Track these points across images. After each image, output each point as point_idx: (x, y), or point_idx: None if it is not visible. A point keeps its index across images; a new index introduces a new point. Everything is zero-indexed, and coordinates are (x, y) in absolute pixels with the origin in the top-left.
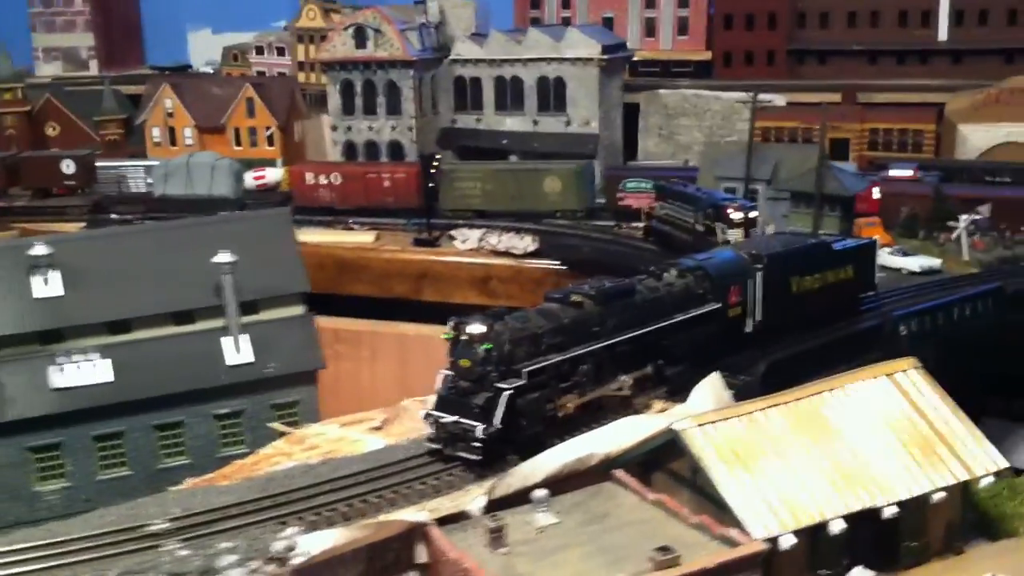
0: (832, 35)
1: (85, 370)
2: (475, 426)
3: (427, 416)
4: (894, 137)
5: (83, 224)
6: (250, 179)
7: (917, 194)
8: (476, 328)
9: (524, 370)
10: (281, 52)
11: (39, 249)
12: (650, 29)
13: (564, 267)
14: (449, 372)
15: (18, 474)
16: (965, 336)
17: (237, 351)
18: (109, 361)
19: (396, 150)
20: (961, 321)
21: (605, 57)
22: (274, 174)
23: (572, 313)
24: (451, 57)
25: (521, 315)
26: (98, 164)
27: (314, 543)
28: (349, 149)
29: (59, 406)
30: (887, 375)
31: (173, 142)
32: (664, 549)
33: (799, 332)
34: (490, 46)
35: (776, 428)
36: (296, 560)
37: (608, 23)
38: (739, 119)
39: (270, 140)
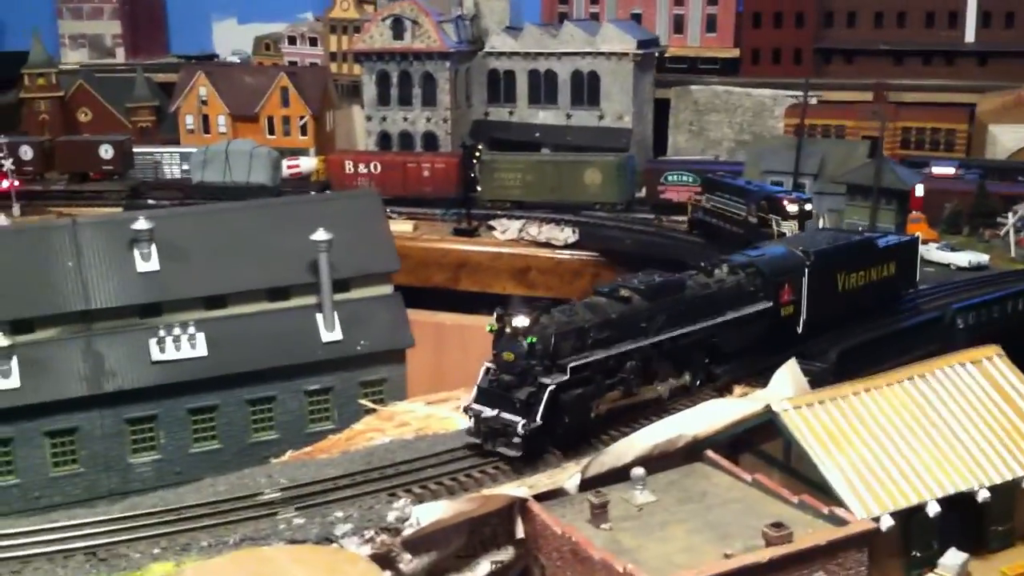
0: (859, 35)
1: (183, 344)
2: (517, 421)
3: (467, 409)
4: (927, 136)
5: (120, 209)
6: (284, 168)
7: (960, 191)
8: (521, 321)
9: (569, 365)
10: (313, 42)
11: (141, 223)
12: (678, 26)
13: (604, 259)
14: (491, 365)
15: (114, 445)
16: (1017, 330)
17: (330, 328)
18: (204, 335)
19: (431, 141)
20: (1014, 315)
21: (640, 52)
22: (308, 163)
23: (620, 308)
24: (485, 50)
25: (567, 308)
26: (135, 150)
27: (425, 514)
28: (383, 139)
29: (158, 379)
30: (972, 362)
31: (206, 130)
32: (777, 525)
33: (843, 329)
34: (524, 39)
35: (871, 411)
36: (408, 531)
37: (636, 19)
38: (769, 116)
39: (303, 129)
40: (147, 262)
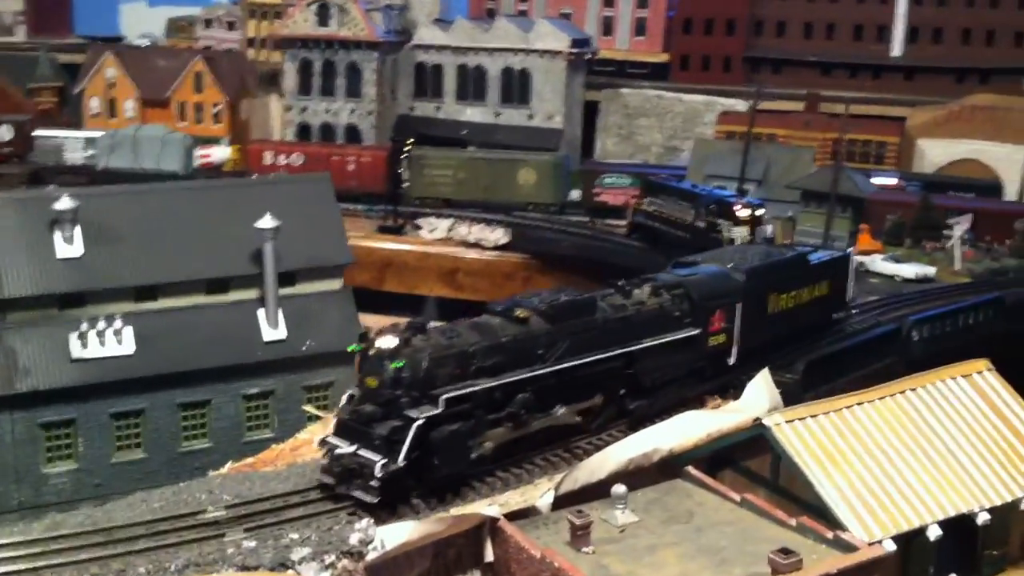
0: (788, 44)
1: (108, 340)
2: (374, 461)
3: (322, 443)
4: (857, 148)
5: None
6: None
7: (902, 202)
8: (387, 342)
9: (441, 397)
10: (231, 26)
11: (64, 203)
12: (607, 28)
13: (537, 262)
14: (355, 392)
15: (26, 453)
16: (969, 343)
17: (273, 326)
18: (131, 330)
19: (353, 134)
20: (966, 328)
21: (574, 51)
22: (221, 152)
23: (514, 330)
24: (413, 42)
25: (449, 329)
26: (35, 133)
27: (390, 536)
28: (303, 131)
29: (78, 378)
30: (963, 376)
31: (113, 114)
32: (785, 551)
33: (768, 356)
34: (455, 33)
35: (865, 427)
36: (371, 555)
37: (566, 19)
38: (701, 122)
39: (217, 117)
40: (69, 246)
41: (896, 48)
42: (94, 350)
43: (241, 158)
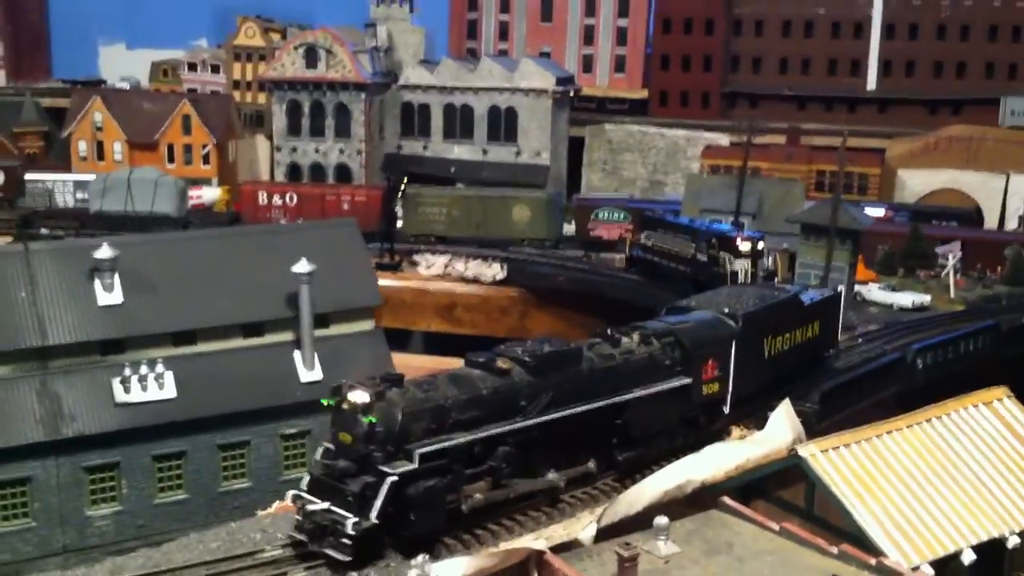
0: (764, 80)
1: (150, 385)
2: (347, 518)
3: (296, 499)
4: (837, 179)
5: (10, 239)
6: None
7: (892, 232)
8: (359, 396)
9: (416, 452)
10: (215, 69)
11: (104, 251)
12: (587, 65)
13: (533, 296)
14: (329, 445)
15: (71, 496)
16: (968, 369)
17: (309, 367)
18: (172, 375)
19: (343, 173)
20: (965, 355)
21: (559, 89)
22: (211, 193)
23: (494, 382)
24: (400, 82)
25: (426, 382)
26: (25, 177)
27: (445, 572)
28: (293, 171)
29: (122, 423)
30: (984, 403)
31: (101, 157)
32: None
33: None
34: (441, 73)
35: (895, 455)
36: None
37: (545, 57)
38: (683, 157)
39: (206, 159)
40: (109, 293)
41: (870, 81)
42: (136, 395)
43: (232, 199)
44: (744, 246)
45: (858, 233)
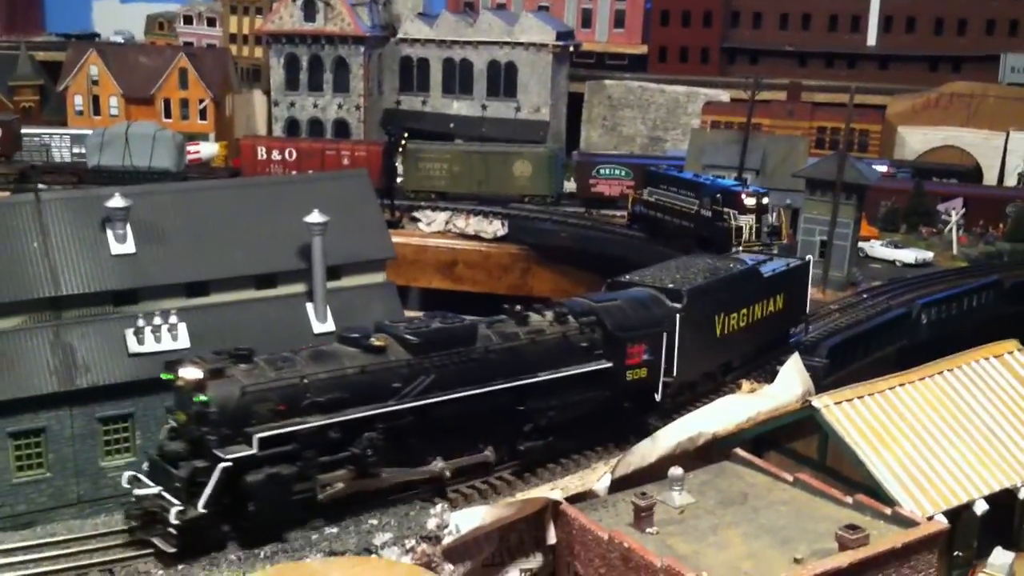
0: (765, 36)
1: (163, 335)
2: (172, 506)
3: (131, 481)
4: (841, 136)
5: (7, 193)
6: None
7: (895, 189)
8: (190, 372)
9: (256, 435)
10: (212, 23)
11: (116, 200)
12: (586, 20)
13: (535, 253)
14: (174, 424)
15: (85, 448)
16: (970, 325)
17: (322, 319)
18: (185, 326)
19: (342, 128)
20: (968, 311)
21: (559, 44)
22: (209, 149)
23: (363, 360)
24: (399, 36)
25: (283, 358)
26: (22, 131)
27: (464, 521)
28: (291, 126)
29: (136, 373)
30: (995, 356)
31: (97, 111)
32: (852, 527)
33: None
34: (440, 27)
35: (908, 407)
36: (447, 539)
37: (544, 12)
38: (683, 113)
39: (203, 114)
40: (122, 244)
41: (871, 38)
42: (150, 345)
43: (230, 154)
44: (749, 201)
45: (864, 188)
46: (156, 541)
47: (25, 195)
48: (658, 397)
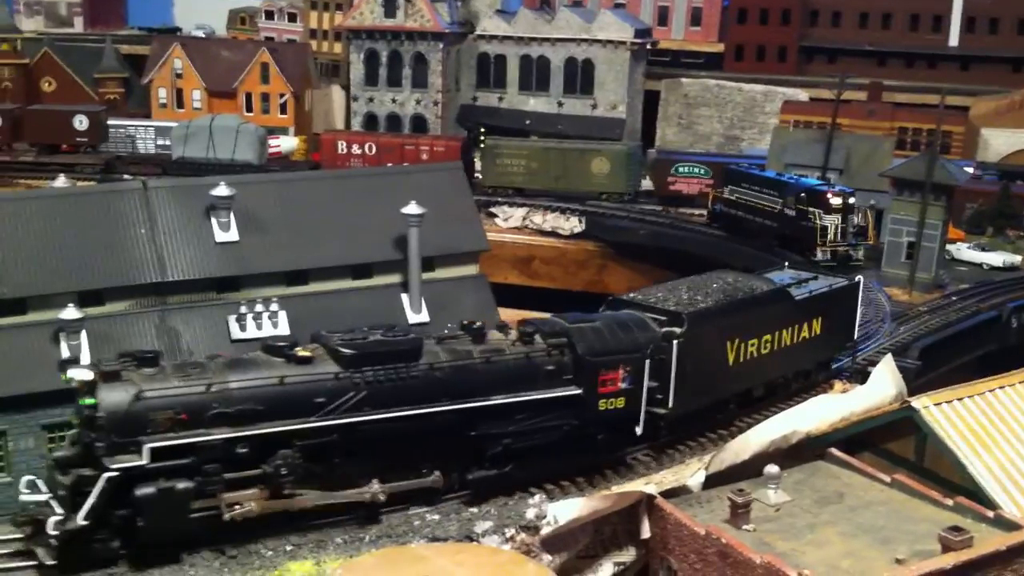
0: (843, 34)
1: (264, 322)
2: (52, 516)
3: (28, 486)
4: (923, 137)
5: (94, 183)
6: None
7: (982, 191)
8: (80, 374)
9: (147, 446)
10: (292, 18)
11: (222, 189)
12: (662, 18)
13: (612, 250)
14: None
15: None
16: None
17: (416, 310)
18: (285, 313)
19: (419, 124)
20: None
21: (637, 41)
22: (288, 142)
23: (284, 371)
24: (477, 32)
25: (196, 364)
26: (108, 123)
27: (561, 512)
28: (370, 121)
29: None
30: None
31: (180, 104)
32: (956, 529)
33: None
34: (518, 23)
35: (1008, 409)
36: (546, 529)
37: (620, 8)
38: (760, 112)
39: (283, 108)
40: (226, 232)
41: (952, 38)
42: (251, 331)
43: (309, 148)
44: (835, 201)
45: (952, 189)
46: (38, 551)
47: (133, 182)
48: (639, 430)
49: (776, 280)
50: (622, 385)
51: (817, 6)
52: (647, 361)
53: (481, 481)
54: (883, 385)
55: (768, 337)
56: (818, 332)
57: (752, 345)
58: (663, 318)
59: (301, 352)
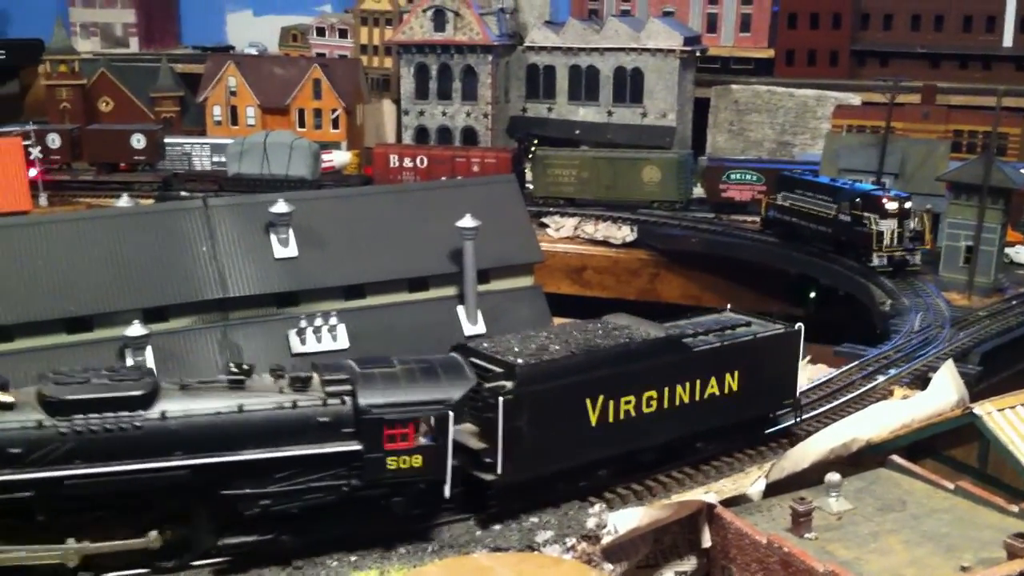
0: (895, 37)
1: (323, 336)
2: None
3: None
4: (979, 139)
5: (152, 201)
6: None
7: None
8: None
9: None
10: (343, 34)
11: (280, 207)
12: (711, 25)
13: (664, 259)
14: None
15: None
16: None
17: (473, 322)
18: (344, 327)
19: (470, 136)
20: None
21: (686, 49)
22: (341, 157)
23: None
24: (525, 44)
25: None
26: (165, 140)
27: (621, 521)
28: (421, 134)
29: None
30: None
31: (235, 121)
32: (1022, 536)
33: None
34: (566, 34)
35: None
36: (606, 538)
37: (668, 17)
38: (811, 117)
39: (335, 123)
40: (285, 248)
41: (1007, 39)
42: (311, 345)
43: (361, 162)
44: (891, 205)
45: (1010, 192)
46: None
47: (194, 201)
48: (447, 492)
49: (688, 328)
50: (422, 441)
51: (868, 9)
52: (449, 415)
53: (236, 548)
54: (944, 391)
55: (651, 394)
56: (735, 389)
57: (628, 403)
58: (500, 370)
59: (2, 397)
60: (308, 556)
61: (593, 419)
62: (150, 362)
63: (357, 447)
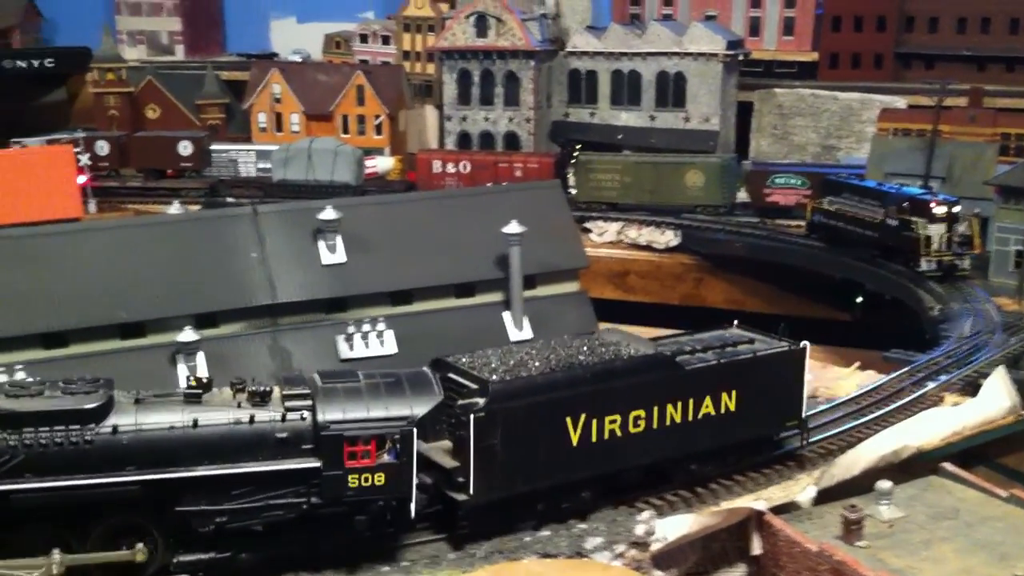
0: (941, 40)
1: (371, 341)
2: None
3: None
4: None
5: (199, 207)
6: None
7: None
8: None
9: None
10: (386, 41)
11: (328, 213)
12: (754, 28)
13: (707, 263)
14: None
15: None
16: None
17: (519, 327)
18: (392, 333)
19: (512, 141)
20: None
21: (729, 53)
22: (384, 163)
23: None
24: (567, 49)
25: None
26: (211, 147)
27: (671, 528)
28: (463, 139)
29: None
30: None
31: (279, 128)
32: None
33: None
34: (608, 39)
35: None
36: (655, 545)
37: (711, 20)
38: (856, 120)
39: (378, 129)
40: (333, 254)
41: None
42: (359, 351)
43: (405, 167)
44: (939, 210)
45: None
46: None
47: (244, 208)
48: (413, 509)
49: (687, 344)
50: (386, 459)
51: (913, 12)
52: (414, 433)
53: (192, 565)
54: (996, 397)
55: (639, 413)
56: (732, 408)
57: (612, 422)
58: (474, 386)
59: None
60: (276, 573)
61: (574, 438)
62: (202, 367)
63: (316, 464)
